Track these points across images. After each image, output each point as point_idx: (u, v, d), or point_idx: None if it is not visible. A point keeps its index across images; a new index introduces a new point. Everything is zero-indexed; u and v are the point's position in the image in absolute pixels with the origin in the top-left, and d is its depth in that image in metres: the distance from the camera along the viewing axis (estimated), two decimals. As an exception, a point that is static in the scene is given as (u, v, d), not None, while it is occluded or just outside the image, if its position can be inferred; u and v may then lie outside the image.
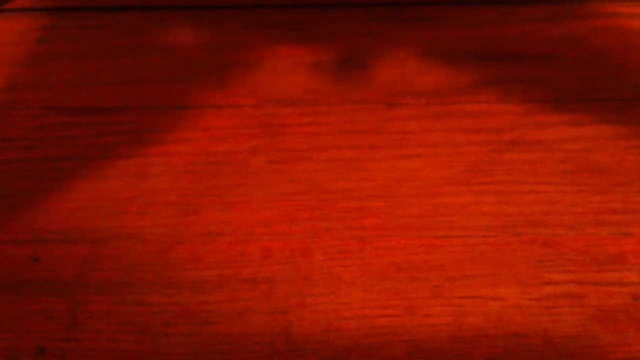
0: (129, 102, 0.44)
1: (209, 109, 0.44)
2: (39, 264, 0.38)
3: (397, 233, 0.39)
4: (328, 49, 0.47)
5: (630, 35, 0.47)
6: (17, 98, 0.45)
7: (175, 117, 0.44)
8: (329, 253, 0.38)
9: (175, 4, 0.50)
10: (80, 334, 0.36)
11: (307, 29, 0.48)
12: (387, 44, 0.47)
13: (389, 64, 0.46)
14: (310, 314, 0.36)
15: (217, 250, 0.38)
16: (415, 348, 0.35)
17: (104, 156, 0.42)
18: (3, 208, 0.40)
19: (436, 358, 0.35)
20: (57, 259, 0.38)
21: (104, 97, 0.45)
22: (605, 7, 0.49)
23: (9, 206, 0.40)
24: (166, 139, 0.43)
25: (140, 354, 0.35)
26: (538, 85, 0.45)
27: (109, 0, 0.50)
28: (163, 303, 0.37)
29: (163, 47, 0.48)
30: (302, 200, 0.40)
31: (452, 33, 0.48)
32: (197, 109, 0.44)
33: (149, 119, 0.44)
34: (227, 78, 0.46)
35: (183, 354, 0.35)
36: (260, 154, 0.42)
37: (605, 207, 0.40)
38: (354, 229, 0.39)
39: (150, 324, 0.36)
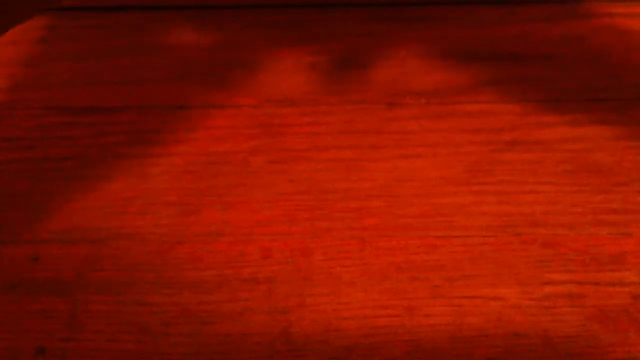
0: (129, 102, 0.44)
1: (209, 109, 0.44)
2: (39, 264, 0.38)
3: (397, 233, 0.39)
4: (328, 49, 0.47)
5: (630, 35, 0.47)
6: (17, 98, 0.45)
7: (175, 117, 0.44)
8: (329, 253, 0.38)
9: (175, 4, 0.50)
10: (80, 334, 0.36)
11: (307, 29, 0.48)
12: (387, 44, 0.47)
13: (389, 64, 0.46)
14: (310, 314, 0.36)
15: (217, 250, 0.38)
16: (415, 348, 0.35)
17: (104, 156, 0.42)
18: (3, 208, 0.40)
19: (436, 358, 0.35)
20: (57, 259, 0.38)
21: (104, 97, 0.45)
22: (605, 7, 0.49)
23: (9, 206, 0.40)
24: (166, 139, 0.43)
25: (140, 354, 0.35)
26: (538, 85, 0.45)
27: (109, 0, 0.50)
28: (163, 303, 0.37)
29: (163, 47, 0.48)
30: (302, 200, 0.40)
31: (452, 33, 0.48)
32: (197, 108, 0.44)
33: (149, 119, 0.44)
34: (227, 78, 0.46)
35: (183, 354, 0.35)
36: (260, 154, 0.42)
37: (605, 207, 0.40)
38: (354, 229, 0.39)
39: (150, 324, 0.36)
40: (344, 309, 0.36)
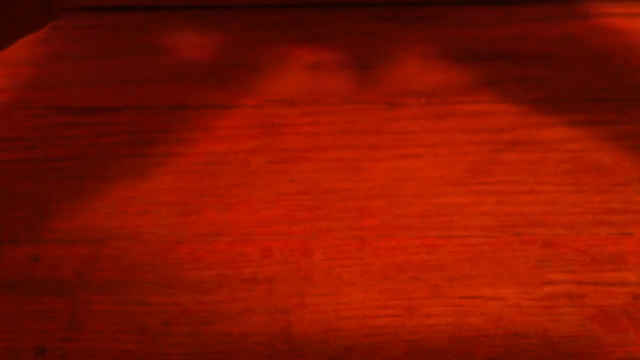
0: (129, 102, 0.44)
1: (209, 109, 0.44)
2: (39, 264, 0.38)
3: (397, 233, 0.39)
4: (328, 49, 0.47)
5: (630, 35, 0.47)
6: (17, 98, 0.45)
7: (175, 117, 0.44)
8: (329, 253, 0.38)
9: (175, 4, 0.50)
10: (80, 334, 0.36)
11: (307, 29, 0.48)
12: (387, 44, 0.47)
13: (389, 64, 0.46)
14: (310, 314, 0.36)
15: (217, 250, 0.38)
16: (415, 348, 0.35)
17: (104, 156, 0.42)
18: (3, 208, 0.40)
19: (436, 358, 0.35)
20: (57, 259, 0.38)
21: (104, 97, 0.45)
22: (605, 7, 0.49)
23: (9, 206, 0.40)
24: (166, 139, 0.43)
25: (140, 354, 0.35)
26: (538, 85, 0.45)
27: (109, 0, 0.50)
28: (163, 303, 0.37)
29: (163, 47, 0.48)
30: (302, 200, 0.40)
31: (452, 33, 0.48)
32: (197, 109, 0.44)
33: (149, 119, 0.44)
34: (227, 78, 0.46)
35: (183, 354, 0.35)
36: (260, 154, 0.42)
37: (605, 207, 0.40)
38: (354, 229, 0.39)
39: (150, 324, 0.36)
40: (344, 309, 0.36)
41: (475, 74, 0.45)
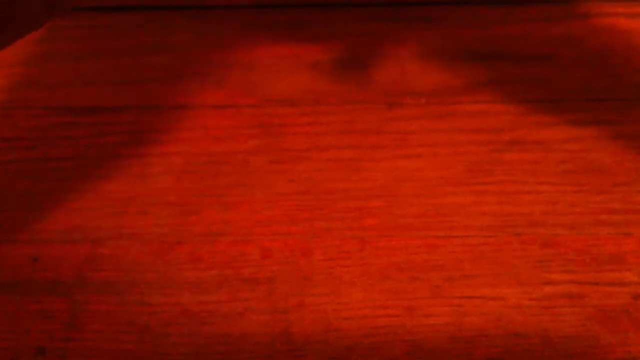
0: (129, 102, 0.44)
1: (209, 109, 0.44)
2: (39, 264, 0.38)
3: (397, 233, 0.39)
4: (328, 49, 0.47)
5: (630, 35, 0.47)
6: (17, 98, 0.45)
7: (175, 117, 0.44)
8: (329, 253, 0.38)
9: (175, 4, 0.50)
10: (80, 334, 0.36)
11: (307, 29, 0.48)
12: (387, 44, 0.47)
13: (389, 64, 0.46)
14: (310, 314, 0.36)
15: (217, 250, 0.38)
16: (415, 348, 0.35)
17: (104, 156, 0.42)
18: (3, 208, 0.40)
19: (436, 358, 0.35)
20: (57, 259, 0.38)
21: (104, 97, 0.45)
22: (605, 7, 0.49)
23: (9, 206, 0.40)
24: (166, 139, 0.43)
25: (140, 354, 0.35)
26: (538, 85, 0.45)
27: (109, 0, 0.50)
28: (163, 303, 0.37)
29: (163, 47, 0.48)
30: (302, 200, 0.40)
31: (452, 33, 0.48)
32: (197, 109, 0.44)
33: (149, 119, 0.44)
34: (227, 78, 0.46)
35: (183, 354, 0.35)
36: (260, 154, 0.42)
37: (605, 207, 0.40)
38: (354, 229, 0.39)
39: (150, 324, 0.36)
40: (344, 309, 0.36)
41: (475, 74, 0.45)
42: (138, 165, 0.42)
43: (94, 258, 0.38)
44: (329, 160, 0.42)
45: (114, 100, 0.45)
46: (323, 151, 0.42)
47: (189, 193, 0.41)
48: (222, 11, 0.50)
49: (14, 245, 0.39)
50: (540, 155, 0.42)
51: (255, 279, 0.37)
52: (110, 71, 0.46)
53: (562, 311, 0.36)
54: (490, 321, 0.36)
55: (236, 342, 0.35)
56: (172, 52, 0.47)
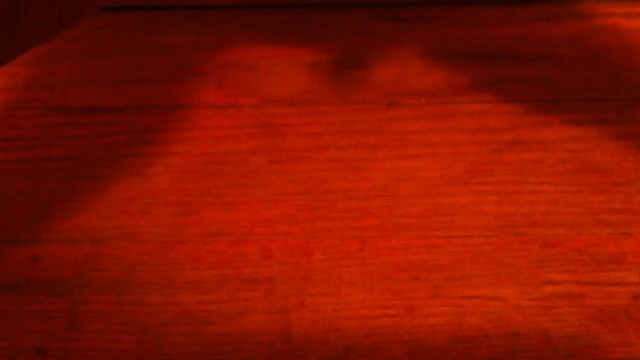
0: (129, 102, 0.45)
1: (209, 109, 0.44)
2: (39, 264, 0.38)
3: (397, 233, 0.39)
4: (328, 49, 0.47)
5: (630, 35, 0.47)
6: (17, 98, 0.45)
7: (175, 117, 0.44)
8: (329, 253, 0.38)
9: (175, 4, 0.50)
10: (80, 334, 0.36)
11: (306, 29, 0.48)
12: (387, 44, 0.47)
13: (389, 64, 0.46)
14: (310, 314, 0.36)
15: (217, 250, 0.38)
16: (415, 348, 0.35)
17: (104, 156, 0.42)
18: (3, 208, 0.40)
19: (436, 358, 0.35)
20: (57, 259, 0.38)
21: (104, 97, 0.45)
22: (605, 7, 0.49)
23: (9, 206, 0.40)
24: (166, 139, 0.43)
25: (140, 354, 0.35)
26: (538, 85, 0.45)
27: (109, 1, 0.50)
28: (163, 303, 0.37)
29: (163, 47, 0.48)
30: (302, 200, 0.40)
31: (452, 33, 0.48)
32: (197, 109, 0.44)
33: (149, 119, 0.44)
34: (227, 78, 0.46)
35: (183, 354, 0.35)
36: (260, 154, 0.42)
37: (605, 207, 0.40)
38: (354, 229, 0.39)
39: (150, 324, 0.36)
40: (344, 309, 0.36)
41: (475, 74, 0.45)
42: (138, 165, 0.42)
43: (94, 258, 0.38)
44: (328, 160, 0.42)
45: (114, 100, 0.45)
46: (323, 151, 0.42)
47: (189, 193, 0.41)
48: (222, 11, 0.50)
49: (14, 245, 0.39)
50: (540, 155, 0.42)
51: (255, 279, 0.37)
52: (110, 71, 0.46)
53: (562, 311, 0.36)
54: (490, 321, 0.36)
55: (236, 342, 0.35)
56: (172, 52, 0.47)
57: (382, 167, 0.41)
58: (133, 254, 0.38)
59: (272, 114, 0.44)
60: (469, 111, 0.44)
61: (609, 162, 0.41)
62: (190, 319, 0.36)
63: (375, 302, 0.36)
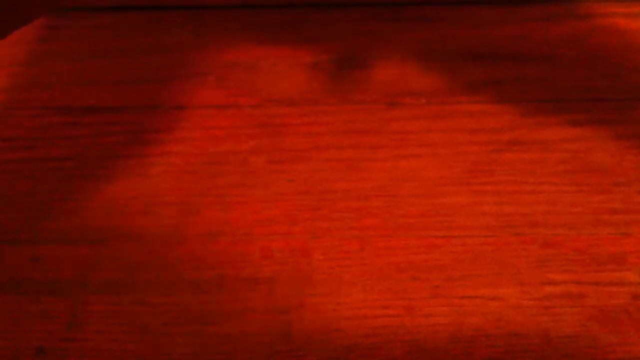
0: (129, 102, 0.44)
1: (209, 109, 0.44)
2: (39, 264, 0.38)
3: (397, 233, 0.39)
4: (328, 49, 0.47)
5: (630, 35, 0.47)
6: (17, 98, 0.45)
7: (175, 117, 0.44)
8: (329, 253, 0.38)
9: (175, 4, 0.50)
10: (80, 334, 0.36)
11: (306, 29, 0.48)
12: (387, 44, 0.47)
13: (389, 64, 0.46)
14: (310, 314, 0.36)
15: (217, 250, 0.38)
16: (415, 348, 0.35)
17: (104, 156, 0.42)
18: (3, 208, 0.40)
19: (436, 358, 0.35)
20: (57, 259, 0.38)
21: (104, 97, 0.45)
22: (605, 7, 0.49)
23: (9, 206, 0.40)
24: (166, 139, 0.43)
25: (140, 354, 0.35)
26: (538, 85, 0.45)
27: (109, 0, 0.50)
28: (163, 303, 0.37)
29: (163, 47, 0.48)
30: (302, 200, 0.40)
31: (452, 33, 0.48)
32: (196, 109, 0.44)
33: (149, 119, 0.44)
34: (227, 78, 0.46)
35: (183, 354, 0.35)
36: (260, 154, 0.42)
37: (605, 207, 0.40)
38: (354, 229, 0.39)
39: (150, 324, 0.36)
40: (344, 309, 0.36)
41: (475, 74, 0.45)
42: (138, 165, 0.42)
43: (94, 258, 0.38)
44: (328, 160, 0.42)
45: (114, 100, 0.45)
46: (323, 151, 0.42)
47: (189, 193, 0.41)
48: (222, 11, 0.50)
49: (14, 245, 0.39)
50: (540, 155, 0.42)
51: (255, 279, 0.37)
52: (110, 71, 0.46)
53: (562, 311, 0.36)
54: (490, 321, 0.36)
55: (236, 342, 0.35)
56: (172, 52, 0.47)
57: (382, 167, 0.41)
58: (133, 254, 0.38)
59: (272, 114, 0.44)
60: (469, 111, 0.44)
61: (609, 162, 0.41)
62: (190, 319, 0.36)
63: (375, 302, 0.36)
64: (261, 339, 0.35)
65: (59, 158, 0.42)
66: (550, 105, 0.44)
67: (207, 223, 0.39)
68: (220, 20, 0.49)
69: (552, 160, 0.41)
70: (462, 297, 0.36)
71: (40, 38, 0.48)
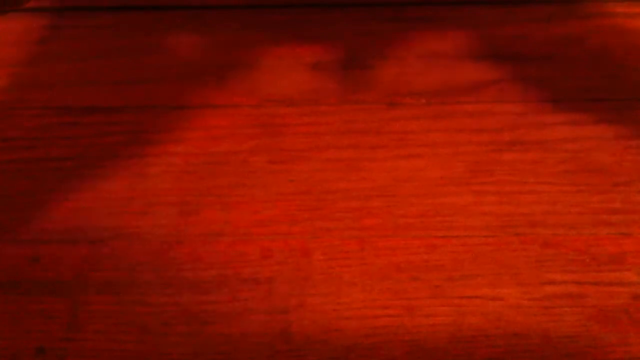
0: (129, 102, 0.44)
1: (209, 109, 0.44)
2: (39, 264, 0.38)
3: (397, 233, 0.39)
4: (328, 49, 0.47)
5: (630, 35, 0.47)
6: (17, 98, 0.45)
7: (175, 117, 0.44)
8: (329, 253, 0.38)
9: (175, 4, 0.50)
10: (80, 334, 0.36)
11: (307, 29, 0.48)
12: (387, 44, 0.47)
13: (389, 64, 0.46)
14: (310, 314, 0.36)
15: (217, 250, 0.38)
16: (415, 348, 0.35)
17: (104, 156, 0.42)
18: (3, 208, 0.40)
19: (436, 358, 0.35)
20: (57, 259, 0.38)
21: (104, 97, 0.45)
22: (605, 7, 0.49)
23: (9, 206, 0.40)
24: (166, 139, 0.43)
25: (140, 354, 0.35)
26: (538, 85, 0.45)
27: (109, 0, 0.50)
28: (163, 303, 0.37)
29: (163, 47, 0.48)
30: (302, 200, 0.40)
31: (452, 33, 0.48)
32: (196, 109, 0.44)
33: (149, 119, 0.44)
34: (227, 78, 0.46)
35: (183, 354, 0.35)
36: (260, 154, 0.42)
37: (605, 207, 0.40)
38: (354, 229, 0.39)
39: (150, 324, 0.36)
40: (344, 309, 0.36)
41: (475, 74, 0.45)
42: (138, 165, 0.42)
43: (94, 258, 0.38)
44: (328, 160, 0.42)
45: (114, 100, 0.45)
46: (323, 151, 0.42)
47: (188, 193, 0.41)
48: (222, 11, 0.50)
49: (14, 245, 0.39)
50: (540, 155, 0.42)
51: (255, 279, 0.37)
52: (110, 71, 0.46)
53: (562, 311, 0.36)
54: (490, 321, 0.36)
55: (236, 342, 0.35)
56: (172, 52, 0.47)
57: (382, 167, 0.41)
58: (133, 254, 0.38)
59: (272, 114, 0.44)
60: (469, 111, 0.44)
61: (609, 162, 0.41)
62: (190, 319, 0.36)
63: (375, 302, 0.36)
64: (261, 339, 0.35)
65: (58, 158, 0.42)
66: (550, 105, 0.44)
67: (207, 223, 0.39)
68: (220, 20, 0.49)
69: (552, 160, 0.41)
70: (462, 297, 0.36)
71: (41, 38, 0.48)
